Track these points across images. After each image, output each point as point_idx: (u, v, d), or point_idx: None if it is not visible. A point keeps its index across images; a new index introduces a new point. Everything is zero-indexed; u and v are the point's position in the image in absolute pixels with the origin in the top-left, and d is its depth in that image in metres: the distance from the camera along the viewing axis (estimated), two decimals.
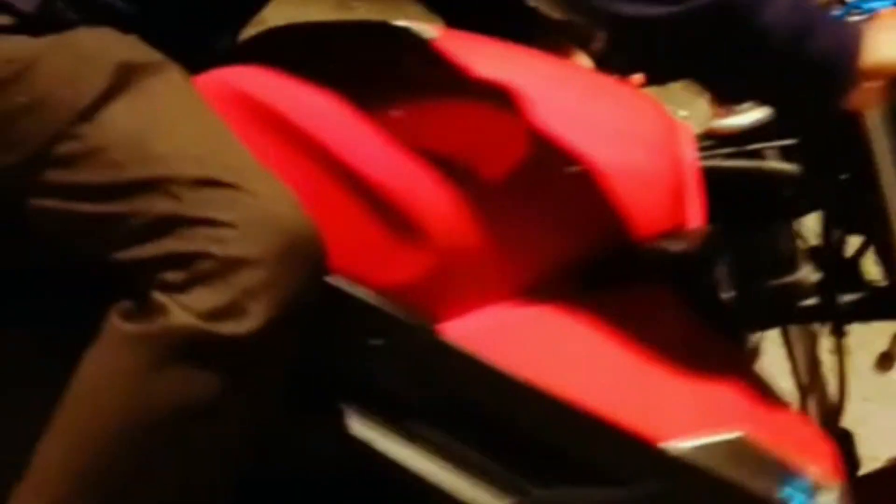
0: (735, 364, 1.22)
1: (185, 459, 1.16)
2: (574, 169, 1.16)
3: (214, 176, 1.15)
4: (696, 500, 1.14)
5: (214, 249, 1.13)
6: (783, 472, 1.14)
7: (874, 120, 1.14)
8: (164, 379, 1.15)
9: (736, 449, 1.14)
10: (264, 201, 1.13)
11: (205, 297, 1.13)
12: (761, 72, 1.10)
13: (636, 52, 1.15)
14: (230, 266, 1.13)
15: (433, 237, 1.16)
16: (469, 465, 1.15)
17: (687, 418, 1.14)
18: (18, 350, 1.25)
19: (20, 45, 1.16)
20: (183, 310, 1.13)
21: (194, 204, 1.14)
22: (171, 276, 1.14)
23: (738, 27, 1.08)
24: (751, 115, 1.18)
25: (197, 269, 1.14)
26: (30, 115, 1.15)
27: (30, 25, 1.16)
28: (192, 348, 1.14)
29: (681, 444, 1.13)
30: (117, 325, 1.16)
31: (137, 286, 1.15)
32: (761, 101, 1.19)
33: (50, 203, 1.17)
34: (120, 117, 1.16)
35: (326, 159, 1.18)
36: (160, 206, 1.15)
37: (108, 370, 1.16)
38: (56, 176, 1.16)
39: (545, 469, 1.14)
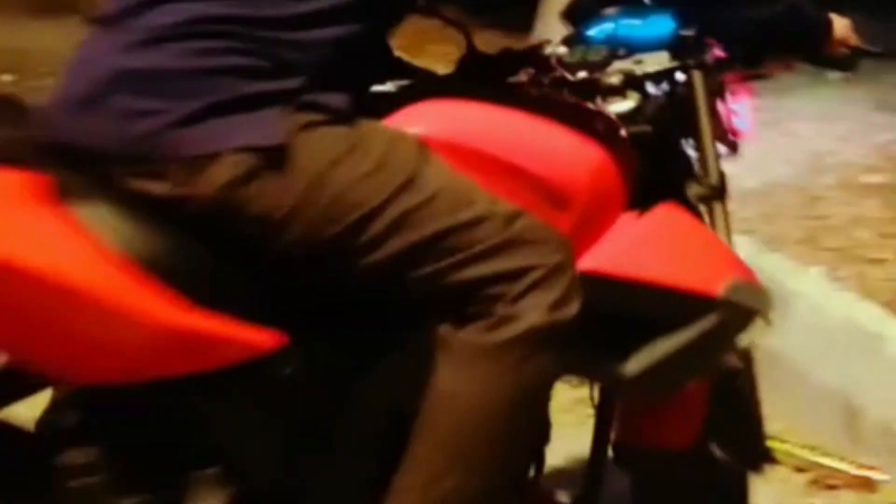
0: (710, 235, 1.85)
1: (530, 431, 1.55)
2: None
3: (514, 209, 1.52)
4: (732, 324, 1.72)
5: (542, 260, 1.48)
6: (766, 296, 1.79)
7: (698, 81, 1.80)
8: (527, 371, 1.46)
9: (743, 285, 1.73)
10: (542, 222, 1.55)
11: (542, 298, 1.47)
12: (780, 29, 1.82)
13: None
14: (556, 270, 1.49)
15: (574, 205, 1.62)
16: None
17: (717, 275, 1.72)
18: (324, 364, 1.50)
19: (346, 131, 1.49)
20: (532, 311, 1.46)
21: (513, 231, 1.49)
22: (508, 288, 1.46)
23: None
24: (622, 106, 1.74)
25: (531, 279, 1.47)
26: (370, 179, 1.46)
27: (342, 118, 1.49)
28: (544, 340, 1.47)
29: (721, 291, 1.70)
30: (469, 340, 1.45)
31: (471, 306, 1.46)
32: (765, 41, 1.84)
33: (392, 246, 1.45)
34: (433, 177, 1.48)
35: (497, 165, 1.57)
36: (494, 235, 1.48)
37: (475, 380, 1.45)
38: (395, 226, 1.45)
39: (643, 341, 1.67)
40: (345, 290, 1.48)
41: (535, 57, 1.77)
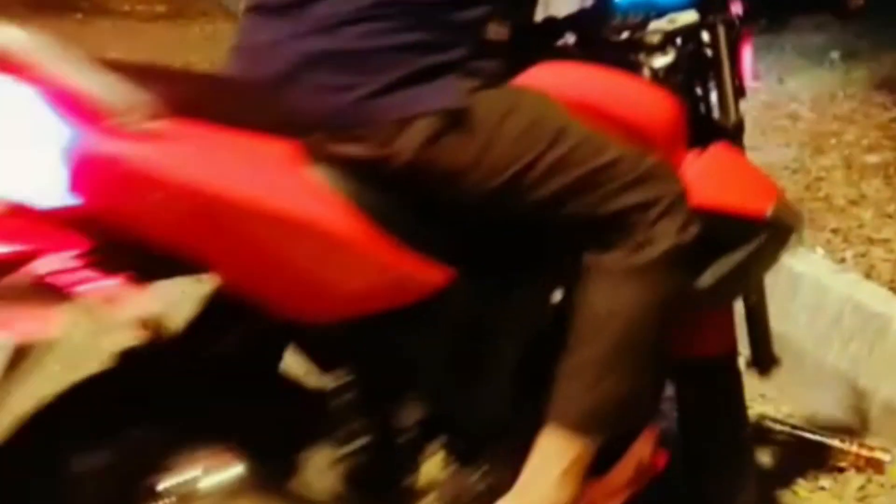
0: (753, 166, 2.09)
1: (667, 337, 1.82)
2: None
3: (640, 149, 1.79)
4: (777, 241, 2.00)
5: (668, 191, 1.76)
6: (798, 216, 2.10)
7: (722, 36, 2.04)
8: (665, 286, 1.76)
9: (783, 208, 2.00)
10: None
11: (671, 223, 1.75)
12: None
13: None
14: (678, 199, 1.77)
15: (661, 147, 1.85)
16: None
17: (764, 200, 1.98)
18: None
19: (503, 92, 1.76)
20: (664, 235, 1.74)
21: (644, 168, 1.76)
22: (644, 216, 1.74)
23: None
24: (663, 61, 2.01)
25: (661, 207, 1.74)
26: (528, 133, 1.72)
27: (497, 81, 1.75)
28: (675, 259, 1.75)
29: (768, 213, 1.97)
30: (617, 263, 1.74)
31: (615, 233, 1.74)
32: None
33: (548, 188, 1.72)
34: (574, 129, 1.76)
35: (604, 115, 1.83)
36: (629, 172, 1.75)
37: (626, 296, 1.74)
38: (551, 171, 1.72)
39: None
40: (509, 229, 1.76)
41: (578, 22, 2.00)
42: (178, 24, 6.92)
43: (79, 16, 6.89)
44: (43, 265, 1.38)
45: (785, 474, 2.60)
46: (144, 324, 1.50)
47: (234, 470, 1.58)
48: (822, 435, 2.67)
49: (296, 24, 1.68)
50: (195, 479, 1.56)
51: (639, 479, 1.97)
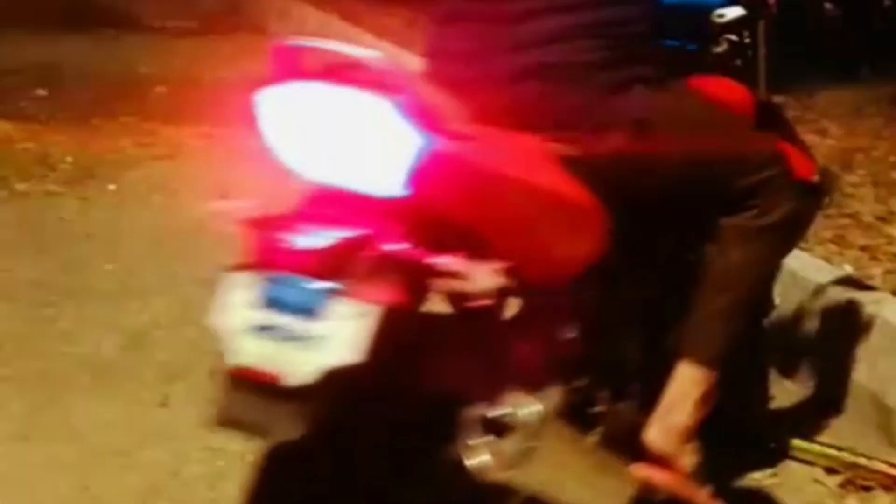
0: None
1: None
2: None
3: (763, 133, 2.23)
4: (811, 205, 2.30)
5: (783, 166, 2.19)
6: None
7: (761, 29, 2.43)
8: (785, 242, 2.25)
9: (823, 171, 2.36)
10: None
11: (790, 191, 2.18)
12: None
13: None
14: (789, 172, 2.20)
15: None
16: None
17: (811, 166, 2.31)
18: None
19: (674, 95, 2.17)
20: (786, 202, 2.17)
21: (769, 148, 2.20)
22: (771, 187, 2.15)
23: None
24: (719, 48, 2.40)
25: (781, 179, 2.17)
26: (700, 128, 2.14)
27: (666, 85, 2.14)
28: (793, 220, 2.21)
29: (812, 179, 2.28)
30: (749, 224, 2.15)
31: (748, 201, 2.15)
32: None
33: (710, 167, 2.13)
34: (722, 120, 2.23)
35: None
36: (760, 153, 2.17)
37: (755, 251, 2.16)
38: (713, 156, 2.13)
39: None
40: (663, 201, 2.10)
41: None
42: (209, 39, 6.96)
43: (111, 31, 6.95)
44: (387, 244, 1.67)
45: (811, 493, 2.59)
46: (488, 293, 1.77)
47: (536, 407, 1.92)
48: (849, 453, 2.67)
49: (512, 36, 2.01)
50: (513, 412, 1.89)
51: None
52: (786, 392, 2.94)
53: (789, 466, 2.67)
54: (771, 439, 2.70)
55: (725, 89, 2.26)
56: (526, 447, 1.87)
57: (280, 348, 1.61)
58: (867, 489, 2.61)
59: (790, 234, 2.25)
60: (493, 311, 1.80)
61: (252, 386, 1.62)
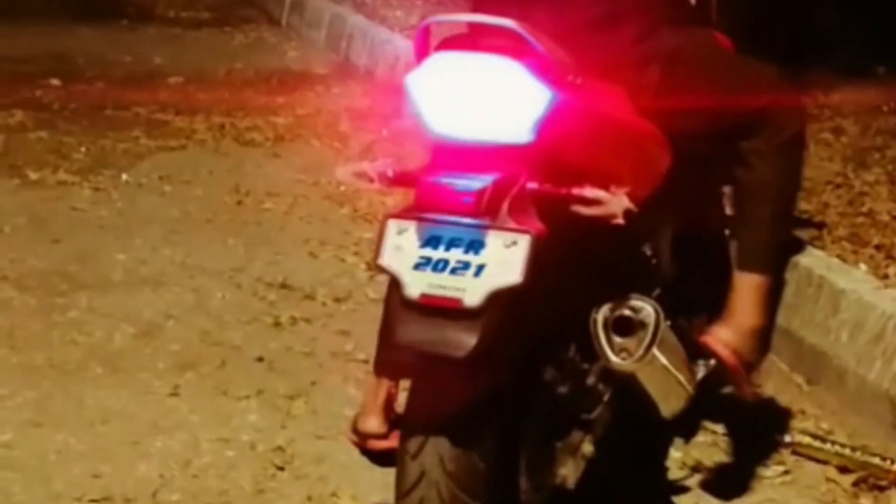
0: None
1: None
2: None
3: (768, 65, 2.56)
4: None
5: (787, 91, 2.52)
6: None
7: None
8: (801, 155, 2.56)
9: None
10: None
11: (795, 113, 2.54)
12: None
13: None
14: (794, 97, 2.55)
15: None
16: None
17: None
18: None
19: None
20: (793, 122, 2.51)
21: (776, 77, 2.52)
22: (778, 110, 2.49)
23: None
24: None
25: (786, 103, 2.52)
26: (727, 71, 2.53)
27: None
28: (803, 137, 2.56)
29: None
30: (769, 143, 2.46)
31: (760, 126, 2.46)
32: None
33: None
34: (743, 58, 2.58)
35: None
36: (771, 81, 2.52)
37: (779, 164, 2.48)
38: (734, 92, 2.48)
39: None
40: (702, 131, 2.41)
41: None
42: (222, 31, 6.96)
43: (125, 22, 6.95)
44: (527, 183, 2.00)
45: (824, 491, 2.58)
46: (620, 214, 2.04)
47: (653, 306, 2.25)
48: (862, 453, 2.65)
49: None
50: (637, 312, 2.22)
51: None
52: (798, 389, 2.94)
53: (802, 465, 2.66)
54: (781, 434, 2.72)
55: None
56: (649, 341, 2.18)
57: (451, 279, 1.91)
58: (881, 489, 2.60)
59: (800, 151, 2.55)
60: (621, 229, 2.05)
61: (429, 311, 1.92)
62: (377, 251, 1.98)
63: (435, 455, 1.97)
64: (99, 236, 3.81)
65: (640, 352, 2.17)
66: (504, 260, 1.91)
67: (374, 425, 2.56)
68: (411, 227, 1.94)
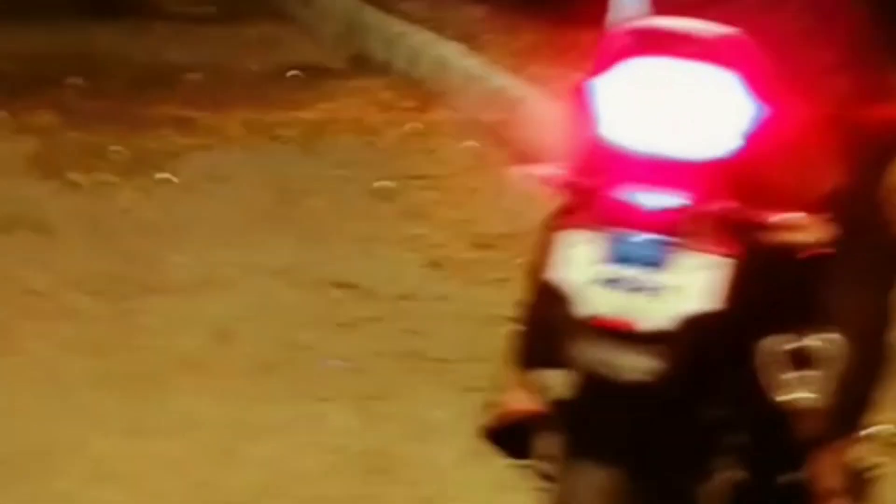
0: None
1: None
2: None
3: None
4: None
5: None
6: None
7: None
8: None
9: None
10: None
11: None
12: None
13: None
14: None
15: None
16: None
17: None
18: None
19: None
20: None
21: None
22: None
23: None
24: None
25: None
26: None
27: None
28: None
29: None
30: None
31: None
32: None
33: None
34: None
35: None
36: None
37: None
38: None
39: None
40: None
41: None
42: (231, 26, 6.90)
43: (135, 19, 6.87)
44: (724, 203, 1.83)
45: None
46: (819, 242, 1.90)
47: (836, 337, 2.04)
48: None
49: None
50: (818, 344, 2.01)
51: None
52: None
53: (883, 455, 2.66)
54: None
55: None
56: (830, 377, 1.97)
57: (631, 298, 1.79)
58: None
59: None
60: (819, 258, 1.94)
61: (607, 333, 1.79)
62: (538, 262, 1.87)
63: (599, 480, 1.88)
64: (151, 238, 3.77)
65: (822, 387, 1.98)
66: (700, 284, 1.79)
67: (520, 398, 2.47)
68: (591, 241, 1.82)
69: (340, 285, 3.47)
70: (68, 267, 3.50)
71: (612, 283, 1.81)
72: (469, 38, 5.70)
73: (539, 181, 1.95)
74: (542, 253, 1.88)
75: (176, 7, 7.20)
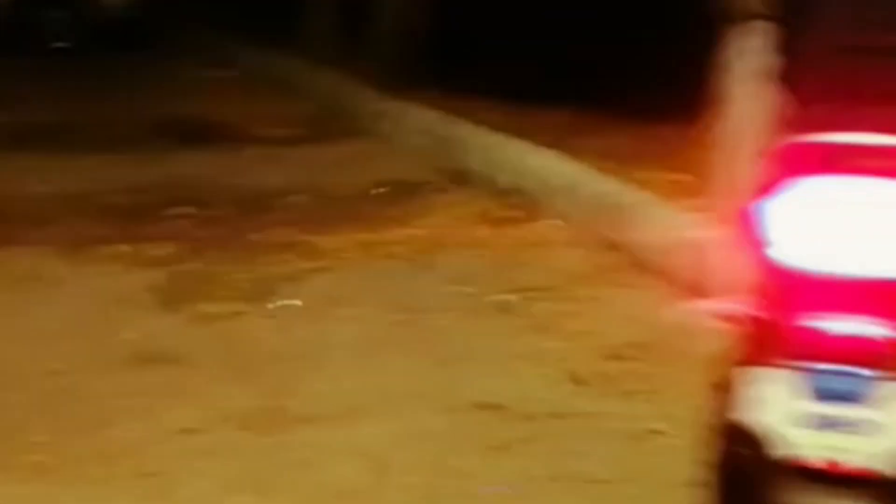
0: None
1: None
2: None
3: None
4: None
5: None
6: None
7: None
8: None
9: None
10: None
11: None
12: None
13: None
14: None
15: None
16: None
17: None
18: None
19: None
20: None
21: None
22: None
23: None
24: None
25: None
26: None
27: None
28: None
29: None
30: None
31: None
32: None
33: None
34: None
35: None
36: None
37: None
38: None
39: None
40: None
41: None
42: (315, 145, 6.98)
43: (225, 144, 6.97)
44: None
45: None
46: None
47: None
48: None
49: None
50: None
51: None
52: None
53: None
54: None
55: None
56: None
57: (835, 437, 1.68)
58: None
59: None
60: None
61: (812, 475, 1.69)
62: (722, 402, 1.75)
63: None
64: (286, 365, 3.76)
65: None
66: None
67: None
68: (783, 377, 1.71)
69: (484, 406, 3.42)
70: (214, 401, 3.48)
71: (812, 421, 1.70)
72: (559, 143, 5.73)
73: (714, 316, 1.87)
74: (725, 394, 1.76)
75: (262, 131, 7.30)
